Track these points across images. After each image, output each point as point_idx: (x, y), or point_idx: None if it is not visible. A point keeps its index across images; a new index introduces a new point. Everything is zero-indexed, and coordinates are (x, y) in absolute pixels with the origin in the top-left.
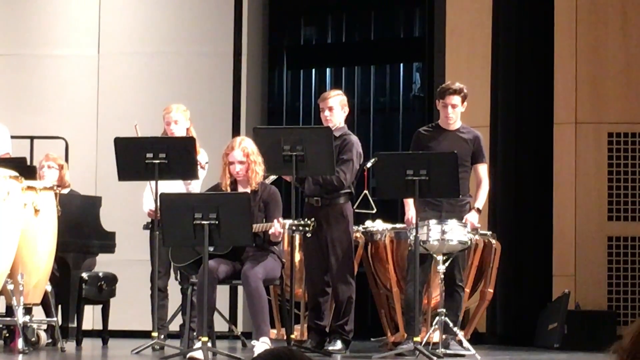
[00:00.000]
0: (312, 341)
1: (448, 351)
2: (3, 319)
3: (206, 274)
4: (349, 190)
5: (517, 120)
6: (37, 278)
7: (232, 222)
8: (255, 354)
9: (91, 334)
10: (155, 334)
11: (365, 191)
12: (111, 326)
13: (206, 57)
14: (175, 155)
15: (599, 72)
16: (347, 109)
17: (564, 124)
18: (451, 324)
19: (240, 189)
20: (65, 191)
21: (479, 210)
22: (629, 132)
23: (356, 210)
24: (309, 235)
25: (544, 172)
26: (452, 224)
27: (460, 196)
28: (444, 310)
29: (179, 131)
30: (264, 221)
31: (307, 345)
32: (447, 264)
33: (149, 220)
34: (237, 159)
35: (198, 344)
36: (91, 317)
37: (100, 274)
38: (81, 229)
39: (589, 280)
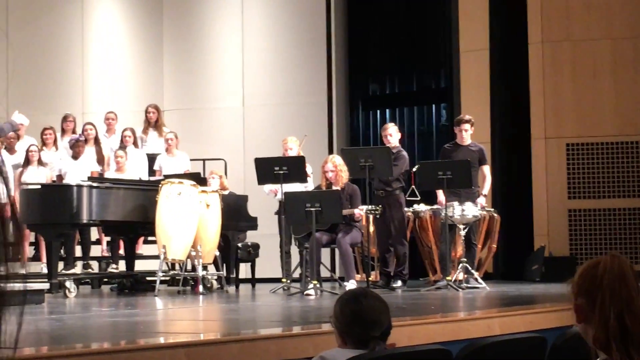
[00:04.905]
0: (382, 281)
1: (468, 285)
2: (190, 273)
3: (314, 241)
4: (402, 185)
5: (507, 137)
6: (209, 247)
7: (329, 208)
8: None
9: (244, 281)
10: (284, 280)
11: (413, 186)
12: (257, 275)
13: (310, 105)
14: (292, 168)
15: (560, 107)
16: (399, 134)
17: (538, 139)
18: (470, 268)
19: (333, 187)
20: (225, 192)
21: (485, 196)
22: (581, 142)
23: (407, 198)
24: (378, 216)
25: (526, 170)
26: (468, 204)
27: (472, 187)
28: (465, 259)
29: (292, 154)
30: (350, 207)
31: (379, 284)
32: (466, 230)
33: (278, 209)
34: (329, 169)
35: (311, 285)
36: (244, 270)
37: (249, 243)
38: (236, 216)
39: (557, 237)
